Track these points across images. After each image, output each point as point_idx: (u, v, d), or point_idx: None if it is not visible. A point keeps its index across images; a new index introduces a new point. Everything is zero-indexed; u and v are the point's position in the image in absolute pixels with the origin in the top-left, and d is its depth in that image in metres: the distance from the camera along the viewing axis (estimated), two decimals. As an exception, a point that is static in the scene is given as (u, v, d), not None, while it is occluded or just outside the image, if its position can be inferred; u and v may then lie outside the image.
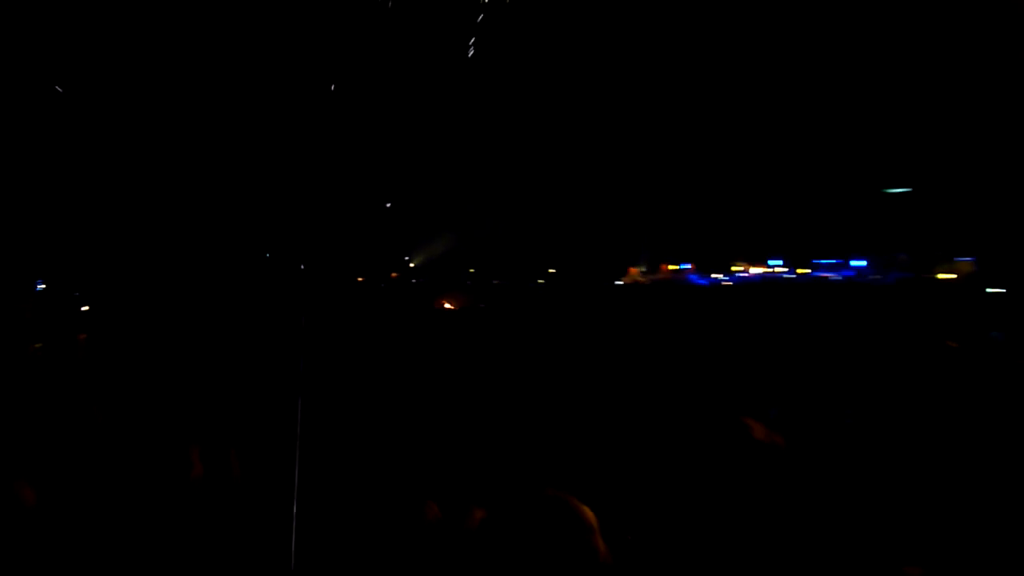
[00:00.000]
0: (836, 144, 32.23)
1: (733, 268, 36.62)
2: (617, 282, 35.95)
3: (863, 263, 36.35)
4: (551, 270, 35.67)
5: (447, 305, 33.81)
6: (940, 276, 34.78)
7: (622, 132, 34.31)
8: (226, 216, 36.14)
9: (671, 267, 37.22)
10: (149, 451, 4.49)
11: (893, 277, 35.43)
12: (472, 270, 35.62)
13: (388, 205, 35.79)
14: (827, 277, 36.47)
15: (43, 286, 34.91)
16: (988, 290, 32.30)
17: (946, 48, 30.13)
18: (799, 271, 36.79)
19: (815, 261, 36.87)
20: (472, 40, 35.96)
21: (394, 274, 35.05)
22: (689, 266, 37.04)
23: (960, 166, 31.85)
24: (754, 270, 37.14)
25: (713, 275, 36.69)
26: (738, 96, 33.25)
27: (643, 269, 37.19)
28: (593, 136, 34.54)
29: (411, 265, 35.32)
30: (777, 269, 37.00)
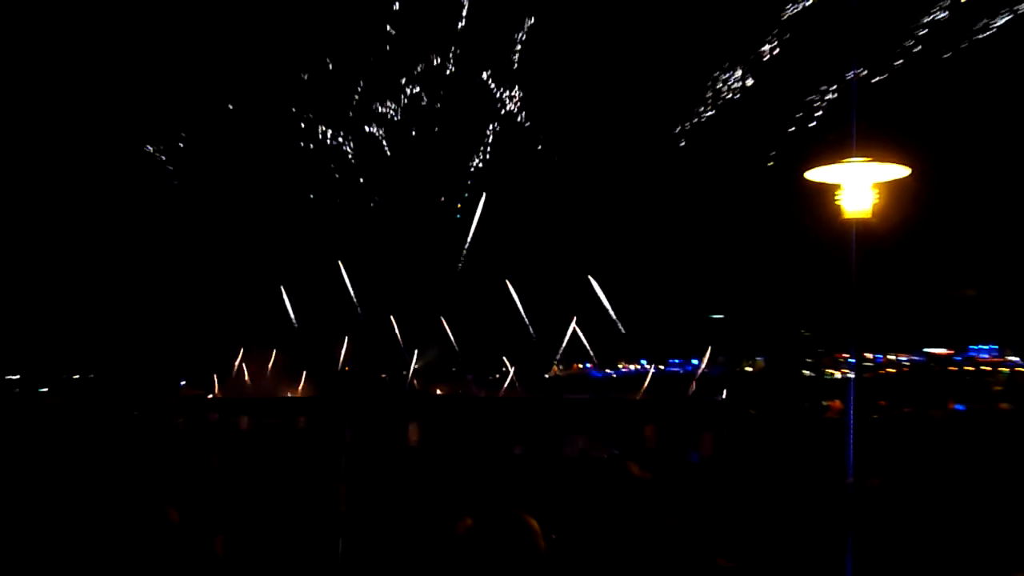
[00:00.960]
0: (682, 290, 40.54)
1: (618, 365, 46.71)
2: (546, 375, 45.22)
3: (696, 361, 44.91)
4: (504, 368, 44.06)
5: (438, 391, 45.34)
6: (745, 368, 45.63)
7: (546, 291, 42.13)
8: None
9: (578, 365, 46.47)
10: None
11: (716, 370, 43.99)
12: (453, 369, 44.01)
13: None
14: (676, 371, 46.42)
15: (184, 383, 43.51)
16: (773, 377, 45.38)
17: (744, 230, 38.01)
18: (659, 366, 46.30)
19: (670, 360, 46.76)
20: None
21: (405, 372, 43.27)
22: (589, 365, 46.08)
23: (753, 304, 41.02)
24: (631, 366, 47.34)
25: (606, 370, 46.20)
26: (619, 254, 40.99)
27: (561, 367, 46.05)
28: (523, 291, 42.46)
29: (416, 366, 43.21)
30: (645, 365, 46.63)
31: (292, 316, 42.77)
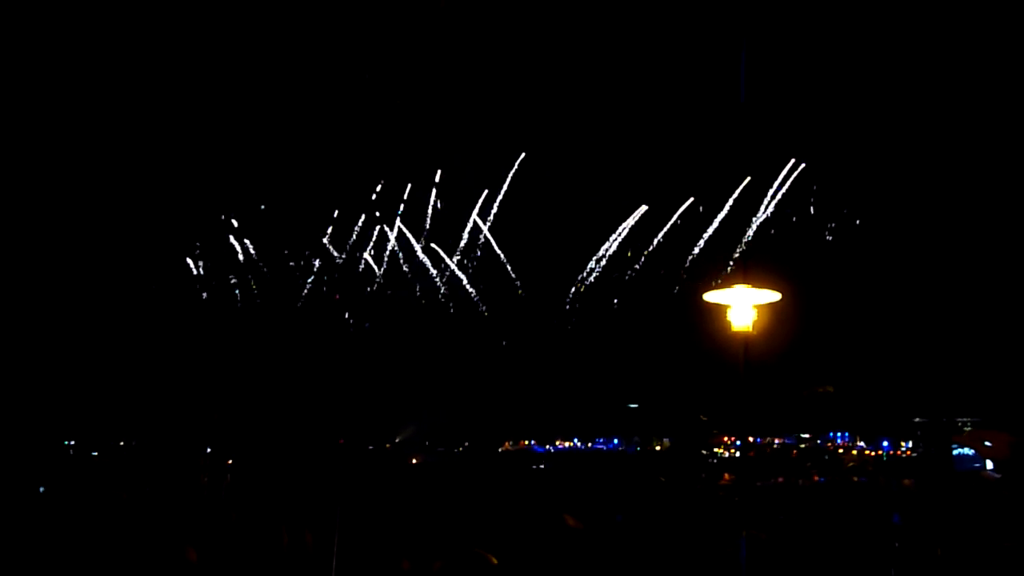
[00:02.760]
0: (607, 384, 41.29)
1: (556, 442, 46.44)
2: (499, 449, 44.94)
3: (618, 441, 45.80)
4: (465, 443, 44.19)
5: (414, 460, 44.53)
6: (655, 447, 44.85)
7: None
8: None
9: (524, 442, 46.45)
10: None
11: (632, 448, 44.72)
12: (427, 443, 43.82)
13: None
14: (600, 448, 46.37)
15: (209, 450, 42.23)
16: (677, 454, 45.52)
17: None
18: (588, 444, 46.70)
19: (596, 439, 46.59)
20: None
21: (388, 444, 42.96)
22: (533, 441, 46.43)
23: (662, 397, 41.60)
24: (566, 444, 47.01)
25: (545, 445, 46.22)
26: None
27: (511, 443, 45.86)
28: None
29: (397, 440, 43.19)
30: (576, 443, 46.88)
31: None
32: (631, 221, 38.81)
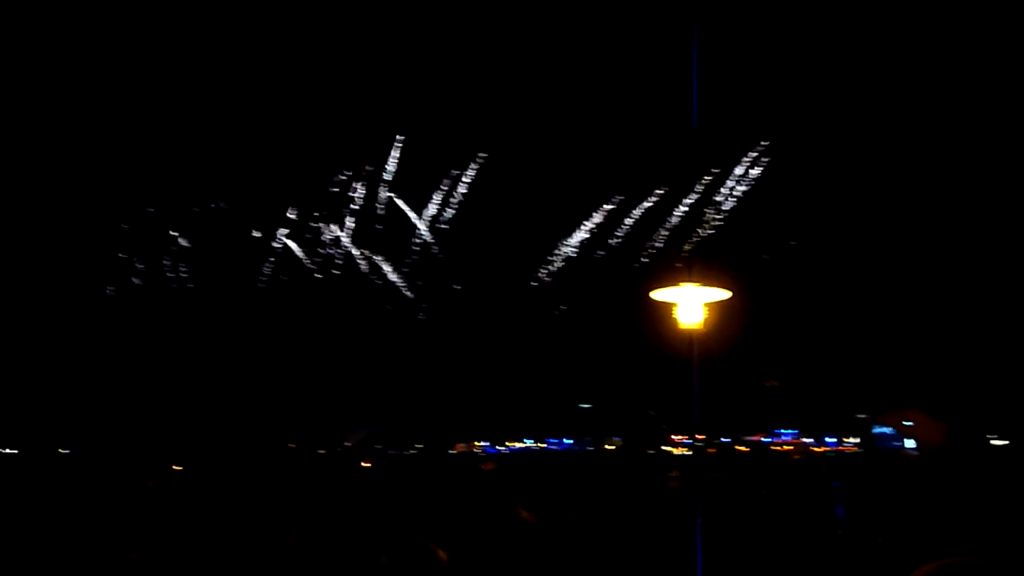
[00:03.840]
0: (558, 384, 42.10)
1: (507, 443, 46.79)
2: (450, 451, 44.80)
3: (571, 441, 46.69)
4: (418, 445, 43.79)
5: (365, 464, 44.25)
6: (606, 446, 45.31)
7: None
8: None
9: (476, 443, 46.38)
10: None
11: (583, 447, 45.61)
12: (378, 446, 43.52)
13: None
14: (554, 448, 46.87)
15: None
16: (628, 453, 45.87)
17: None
18: (540, 444, 47.04)
19: (548, 439, 47.12)
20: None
21: (339, 448, 42.45)
22: (487, 443, 46.51)
23: (613, 397, 43.28)
24: (517, 444, 47.57)
25: (497, 447, 46.44)
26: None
27: (463, 445, 45.68)
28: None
29: (347, 444, 43.17)
30: (528, 444, 47.37)
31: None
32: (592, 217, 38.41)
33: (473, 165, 37.82)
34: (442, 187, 38.78)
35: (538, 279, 39.47)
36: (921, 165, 30.06)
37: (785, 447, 42.63)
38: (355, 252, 39.22)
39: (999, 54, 25.66)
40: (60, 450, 35.97)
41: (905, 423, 37.19)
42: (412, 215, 39.81)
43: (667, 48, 29.95)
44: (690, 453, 35.35)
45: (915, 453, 35.58)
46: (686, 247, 35.04)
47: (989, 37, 25.99)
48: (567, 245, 38.85)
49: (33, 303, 32.36)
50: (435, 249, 39.39)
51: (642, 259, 35.64)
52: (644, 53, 29.86)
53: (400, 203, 39.52)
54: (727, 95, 30.40)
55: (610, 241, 38.18)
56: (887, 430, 38.81)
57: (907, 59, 27.92)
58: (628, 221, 37.70)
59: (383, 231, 39.64)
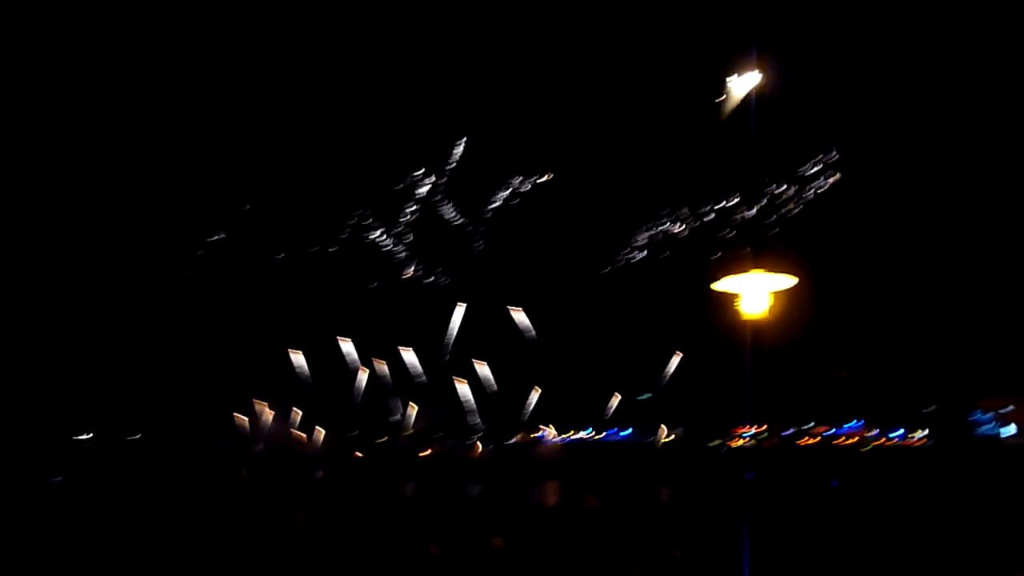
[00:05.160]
0: (618, 376, 42.55)
1: (571, 433, 44.93)
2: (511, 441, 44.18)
3: (630, 431, 44.34)
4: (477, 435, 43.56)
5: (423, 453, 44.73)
6: (665, 438, 43.71)
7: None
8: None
9: (534, 434, 45.31)
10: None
11: (642, 438, 43.47)
12: (438, 435, 43.16)
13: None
14: (614, 438, 44.94)
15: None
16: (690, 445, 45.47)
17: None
18: (602, 434, 45.18)
19: (610, 430, 45.16)
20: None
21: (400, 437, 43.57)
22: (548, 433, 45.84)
23: (674, 389, 42.62)
24: (577, 435, 46.24)
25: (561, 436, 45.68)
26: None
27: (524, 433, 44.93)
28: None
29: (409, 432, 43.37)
30: (592, 434, 45.64)
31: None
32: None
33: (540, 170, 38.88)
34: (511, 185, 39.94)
35: (603, 273, 40.15)
36: (989, 161, 30.22)
37: (849, 440, 41.60)
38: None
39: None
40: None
41: (1003, 409, 35.92)
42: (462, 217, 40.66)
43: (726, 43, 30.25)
44: (753, 445, 34.92)
45: (1018, 440, 34.22)
46: (751, 237, 36.39)
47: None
48: (634, 242, 39.60)
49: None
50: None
51: (708, 253, 35.95)
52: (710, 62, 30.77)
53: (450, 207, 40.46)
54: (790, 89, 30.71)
55: (676, 234, 38.81)
56: (985, 417, 37.48)
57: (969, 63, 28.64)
58: (691, 220, 38.13)
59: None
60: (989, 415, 37.00)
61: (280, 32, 29.41)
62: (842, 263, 33.03)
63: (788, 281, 11.71)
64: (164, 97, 30.50)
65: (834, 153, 35.60)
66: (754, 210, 36.95)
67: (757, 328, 12.27)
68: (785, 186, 36.54)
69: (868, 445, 41.55)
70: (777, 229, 35.93)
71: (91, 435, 32.98)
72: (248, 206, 37.25)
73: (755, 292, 12.51)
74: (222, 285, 38.28)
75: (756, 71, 31.20)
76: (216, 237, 36.81)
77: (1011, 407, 36.63)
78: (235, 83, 30.75)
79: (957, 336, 32.94)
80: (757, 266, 11.89)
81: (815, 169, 36.11)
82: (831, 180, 35.61)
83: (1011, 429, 36.04)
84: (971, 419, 37.57)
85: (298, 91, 32.30)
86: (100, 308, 34.81)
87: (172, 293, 37.08)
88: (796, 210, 35.59)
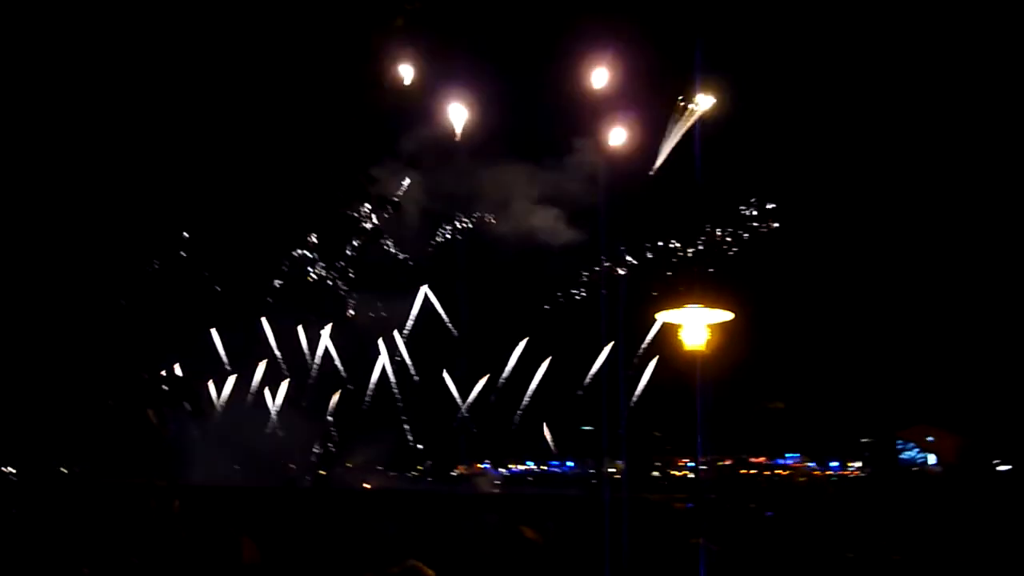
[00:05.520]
0: (557, 405, 43.29)
1: (509, 465, 46.20)
2: (453, 472, 44.43)
3: (572, 464, 45.49)
4: (420, 465, 44.16)
5: (366, 485, 44.01)
6: (609, 468, 41.70)
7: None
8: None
9: (478, 465, 45.36)
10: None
11: (585, 470, 43.81)
12: (379, 467, 42.60)
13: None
14: (555, 470, 45.98)
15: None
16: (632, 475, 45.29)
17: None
18: (542, 467, 46.78)
19: (550, 462, 46.41)
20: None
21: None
22: (487, 464, 45.52)
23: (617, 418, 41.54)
24: (519, 467, 47.12)
25: (499, 468, 45.91)
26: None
27: (464, 466, 44.91)
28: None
29: (349, 465, 42.47)
30: (531, 467, 47.06)
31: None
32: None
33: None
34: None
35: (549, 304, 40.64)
36: (916, 190, 31.48)
37: (787, 471, 42.28)
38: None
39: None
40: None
41: (927, 439, 37.02)
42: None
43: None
44: (693, 476, 35.15)
45: (938, 469, 35.29)
46: (690, 275, 37.48)
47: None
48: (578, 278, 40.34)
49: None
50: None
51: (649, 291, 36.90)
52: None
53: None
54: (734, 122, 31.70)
55: (613, 265, 39.57)
56: (909, 446, 38.52)
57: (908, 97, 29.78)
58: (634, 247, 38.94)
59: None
60: (912, 445, 38.18)
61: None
62: (777, 301, 33.80)
63: (725, 315, 12.02)
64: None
65: (769, 204, 36.88)
66: (692, 251, 38.02)
67: (698, 360, 12.50)
68: (723, 229, 37.65)
69: (804, 475, 42.48)
70: (712, 269, 36.88)
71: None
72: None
73: (694, 324, 12.82)
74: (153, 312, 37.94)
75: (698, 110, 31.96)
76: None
77: (932, 437, 37.76)
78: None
79: (884, 368, 33.87)
80: (696, 300, 12.18)
81: (752, 212, 37.29)
82: (768, 226, 36.71)
83: (933, 458, 37.27)
84: (897, 449, 38.63)
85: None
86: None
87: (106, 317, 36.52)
88: (733, 251, 36.53)
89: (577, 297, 41.39)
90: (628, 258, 39.66)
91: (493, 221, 40.34)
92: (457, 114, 31.65)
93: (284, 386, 41.57)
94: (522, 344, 42.02)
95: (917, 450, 38.52)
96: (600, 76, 28.49)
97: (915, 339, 32.86)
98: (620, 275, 39.80)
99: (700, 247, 37.88)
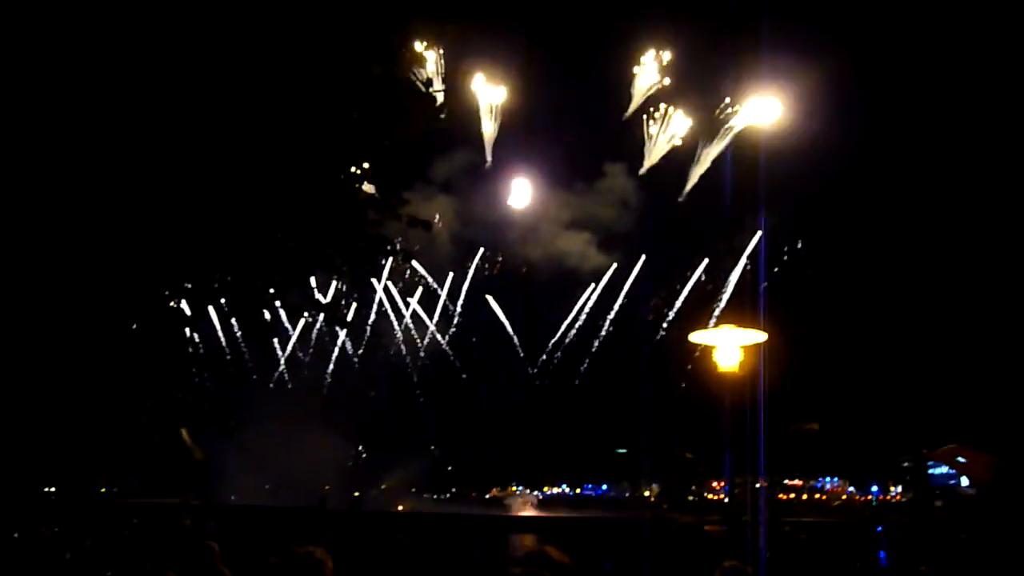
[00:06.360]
0: (593, 429, 42.43)
1: (545, 488, 47.00)
2: (487, 496, 45.09)
3: (604, 487, 47.60)
4: (452, 490, 45.60)
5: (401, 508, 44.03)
6: (644, 492, 43.84)
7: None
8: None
9: (512, 488, 45.63)
10: None
11: (620, 494, 45.73)
12: (413, 489, 43.59)
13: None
14: (589, 494, 47.91)
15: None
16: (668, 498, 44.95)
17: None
18: (577, 490, 48.30)
19: (585, 485, 48.49)
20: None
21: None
22: (521, 487, 45.81)
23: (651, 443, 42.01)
24: (554, 489, 48.25)
25: (534, 491, 45.89)
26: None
27: (498, 489, 45.64)
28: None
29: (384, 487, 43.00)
30: (565, 489, 48.57)
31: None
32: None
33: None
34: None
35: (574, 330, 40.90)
36: (943, 213, 31.62)
37: (825, 494, 41.61)
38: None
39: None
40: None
41: (959, 459, 36.20)
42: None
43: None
44: (728, 499, 34.68)
45: (971, 491, 34.44)
46: (723, 295, 37.54)
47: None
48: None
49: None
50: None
51: (680, 307, 36.87)
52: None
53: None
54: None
55: (648, 291, 39.81)
56: (942, 469, 37.71)
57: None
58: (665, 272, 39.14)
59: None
60: (942, 466, 37.44)
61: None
62: (813, 318, 33.59)
63: (758, 336, 11.92)
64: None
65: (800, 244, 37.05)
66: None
67: (731, 382, 12.39)
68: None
69: (839, 499, 41.85)
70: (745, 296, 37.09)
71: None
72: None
73: (728, 346, 12.70)
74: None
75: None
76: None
77: (963, 458, 36.99)
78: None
79: (916, 389, 33.54)
80: (730, 322, 12.08)
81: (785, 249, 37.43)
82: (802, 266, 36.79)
83: (965, 480, 36.49)
84: (929, 472, 37.74)
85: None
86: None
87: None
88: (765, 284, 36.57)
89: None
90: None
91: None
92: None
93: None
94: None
95: (947, 470, 37.67)
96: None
97: (945, 358, 32.47)
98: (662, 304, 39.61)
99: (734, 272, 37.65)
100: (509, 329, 41.76)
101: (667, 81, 34.81)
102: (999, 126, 29.18)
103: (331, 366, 42.87)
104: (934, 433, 36.38)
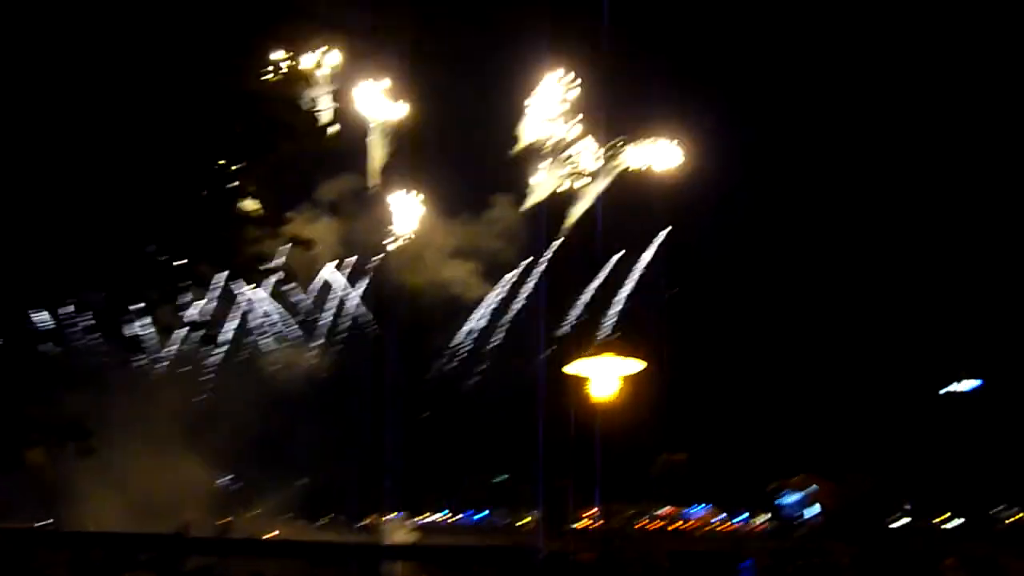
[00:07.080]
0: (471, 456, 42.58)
1: (426, 515, 44.23)
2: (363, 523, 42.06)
3: (486, 513, 45.00)
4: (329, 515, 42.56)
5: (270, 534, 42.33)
6: (524, 519, 43.31)
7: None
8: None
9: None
10: None
11: (497, 520, 43.79)
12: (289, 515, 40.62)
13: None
14: (470, 520, 45.42)
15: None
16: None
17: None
18: (457, 516, 45.92)
19: (467, 511, 45.79)
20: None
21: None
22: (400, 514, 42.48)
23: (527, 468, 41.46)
24: (434, 516, 46.07)
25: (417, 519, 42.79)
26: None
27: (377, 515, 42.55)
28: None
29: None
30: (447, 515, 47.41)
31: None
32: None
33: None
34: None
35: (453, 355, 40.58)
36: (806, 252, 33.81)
37: (692, 524, 42.44)
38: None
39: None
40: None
41: (811, 488, 37.86)
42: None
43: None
44: (597, 526, 35.13)
45: (820, 521, 35.96)
46: (601, 324, 38.21)
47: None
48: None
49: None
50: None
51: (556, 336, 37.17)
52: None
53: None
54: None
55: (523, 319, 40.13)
56: (792, 499, 39.17)
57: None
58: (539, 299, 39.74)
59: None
60: (795, 497, 38.94)
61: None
62: (684, 349, 34.66)
63: (637, 365, 12.20)
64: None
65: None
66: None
67: (604, 411, 12.60)
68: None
69: (708, 528, 42.87)
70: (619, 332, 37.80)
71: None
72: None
73: (604, 375, 12.94)
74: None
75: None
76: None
77: (815, 486, 38.79)
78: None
79: (777, 419, 35.21)
80: (605, 350, 12.34)
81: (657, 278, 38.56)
82: (671, 292, 37.89)
83: (815, 509, 38.01)
84: (778, 502, 39.28)
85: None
86: None
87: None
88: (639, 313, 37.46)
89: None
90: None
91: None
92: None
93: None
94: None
95: (798, 499, 39.25)
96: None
97: (807, 389, 34.29)
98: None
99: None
100: (391, 353, 41.20)
101: (561, 115, 35.52)
102: (859, 157, 30.95)
103: (203, 385, 41.04)
104: (799, 460, 37.98)
